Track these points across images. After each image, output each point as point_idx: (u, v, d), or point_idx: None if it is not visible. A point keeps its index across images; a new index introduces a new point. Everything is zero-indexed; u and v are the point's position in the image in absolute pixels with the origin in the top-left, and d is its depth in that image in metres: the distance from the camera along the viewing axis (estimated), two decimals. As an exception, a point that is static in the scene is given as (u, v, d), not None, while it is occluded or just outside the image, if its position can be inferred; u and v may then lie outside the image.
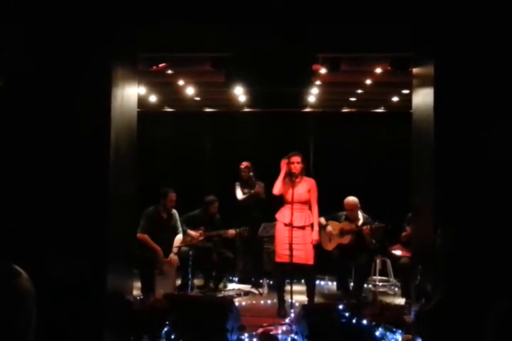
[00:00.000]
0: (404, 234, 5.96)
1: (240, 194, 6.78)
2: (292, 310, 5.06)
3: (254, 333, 4.49)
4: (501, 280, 2.60)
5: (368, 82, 5.95)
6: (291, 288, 5.15)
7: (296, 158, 5.36)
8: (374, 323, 4.07)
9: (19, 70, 3.88)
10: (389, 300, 5.74)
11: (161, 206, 6.16)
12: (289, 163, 5.35)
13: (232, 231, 6.35)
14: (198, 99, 7.15)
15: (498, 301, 1.44)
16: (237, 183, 6.85)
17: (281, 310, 5.31)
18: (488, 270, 2.65)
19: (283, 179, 5.39)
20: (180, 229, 6.34)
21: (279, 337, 4.46)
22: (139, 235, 5.92)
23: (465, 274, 2.62)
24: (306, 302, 5.36)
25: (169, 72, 5.52)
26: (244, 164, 6.84)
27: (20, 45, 3.90)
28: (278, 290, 5.47)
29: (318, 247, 5.64)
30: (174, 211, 6.32)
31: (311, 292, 5.48)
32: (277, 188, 5.39)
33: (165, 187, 6.27)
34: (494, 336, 1.43)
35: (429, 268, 3.56)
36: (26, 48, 3.89)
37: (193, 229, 6.43)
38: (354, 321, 4.00)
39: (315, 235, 5.37)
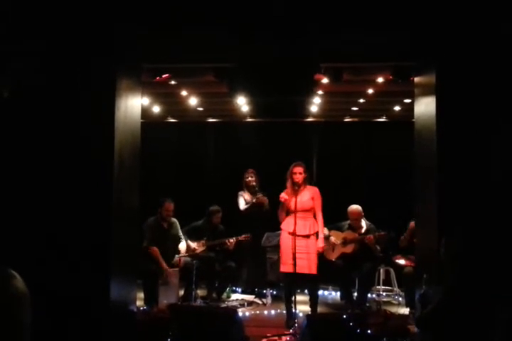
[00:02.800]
0: (402, 238, 5.96)
1: (242, 204, 6.77)
2: (296, 320, 5.04)
3: (258, 343, 4.47)
4: (505, 287, 2.60)
5: (370, 91, 5.98)
6: (295, 298, 5.13)
7: (298, 169, 5.38)
8: (378, 333, 4.05)
9: (24, 81, 3.92)
10: (393, 309, 5.71)
11: (159, 215, 6.19)
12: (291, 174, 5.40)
13: (232, 240, 6.34)
14: (201, 109, 7.19)
15: (506, 307, 1.44)
16: (241, 193, 6.85)
17: (290, 320, 5.27)
18: (491, 276, 2.65)
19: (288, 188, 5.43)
20: (182, 237, 6.36)
21: (283, 347, 4.43)
22: (149, 248, 5.96)
23: (467, 280, 2.62)
24: (309, 313, 5.33)
25: (172, 82, 5.56)
26: (250, 170, 6.85)
27: (25, 56, 3.93)
28: (286, 300, 5.44)
29: (321, 257, 5.63)
30: (174, 220, 6.33)
31: (314, 302, 5.44)
32: (281, 218, 5.47)
33: (164, 196, 6.29)
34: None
35: (434, 277, 3.55)
36: (31, 59, 3.92)
37: (196, 239, 6.43)
38: (358, 331, 3.98)
39: (320, 242, 5.36)
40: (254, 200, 6.65)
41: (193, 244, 6.38)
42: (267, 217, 6.53)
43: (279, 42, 4.26)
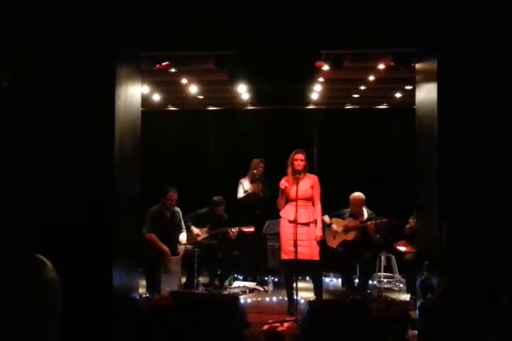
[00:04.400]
0: (408, 226, 5.96)
1: (240, 193, 6.78)
2: (298, 307, 5.07)
3: (259, 330, 4.50)
4: (507, 276, 2.60)
5: (371, 78, 5.94)
6: (296, 285, 5.16)
7: (300, 156, 5.39)
8: (379, 319, 4.08)
9: (23, 70, 3.90)
10: (394, 296, 5.74)
11: (163, 204, 6.21)
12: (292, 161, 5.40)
13: (234, 230, 6.35)
14: (201, 97, 7.16)
15: (507, 299, 1.43)
16: (241, 180, 6.83)
17: (291, 307, 5.30)
18: (493, 264, 2.66)
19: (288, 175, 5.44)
20: (184, 227, 6.37)
21: (285, 333, 4.46)
22: (146, 235, 5.98)
23: (469, 268, 2.63)
24: (311, 299, 5.37)
25: (172, 70, 5.53)
26: (261, 159, 6.82)
27: (25, 45, 3.91)
28: (287, 287, 5.47)
29: (322, 244, 5.65)
30: (177, 209, 6.35)
31: (318, 289, 5.48)
32: (281, 205, 5.47)
33: (168, 185, 6.30)
34: (501, 334, 1.42)
35: (435, 263, 3.57)
36: (30, 48, 3.90)
37: (200, 226, 6.46)
38: (360, 317, 4.01)
39: (318, 231, 5.39)
40: (249, 191, 6.66)
41: (196, 230, 6.40)
42: (267, 205, 6.56)
43: (280, 31, 4.22)
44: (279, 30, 4.22)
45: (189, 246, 6.24)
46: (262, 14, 4.16)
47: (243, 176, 6.87)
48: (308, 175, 5.48)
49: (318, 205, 5.47)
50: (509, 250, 3.37)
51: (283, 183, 5.37)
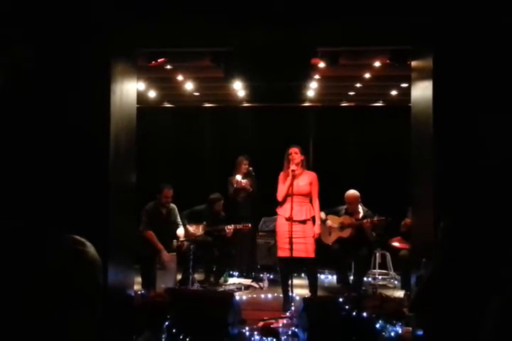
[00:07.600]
0: (403, 223, 5.97)
1: (231, 189, 6.80)
2: (293, 304, 5.08)
3: (254, 327, 4.51)
4: (499, 274, 2.61)
5: (367, 75, 5.95)
6: (292, 281, 5.17)
7: (294, 149, 5.41)
8: (374, 316, 4.09)
9: (18, 66, 3.88)
10: (388, 293, 5.76)
11: (158, 201, 6.20)
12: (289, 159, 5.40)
13: (230, 227, 6.35)
14: (197, 94, 7.15)
15: (496, 296, 1.44)
16: (230, 178, 6.85)
17: (287, 304, 5.31)
18: (487, 261, 2.67)
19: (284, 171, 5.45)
20: (181, 223, 6.37)
21: (280, 330, 4.47)
22: (144, 232, 5.98)
23: (463, 265, 2.64)
24: (306, 296, 5.38)
25: (168, 67, 5.52)
26: (246, 157, 6.85)
27: (19, 41, 3.89)
28: (283, 284, 5.48)
29: (318, 241, 5.66)
30: (173, 206, 6.34)
31: (313, 285, 5.49)
32: (281, 195, 5.45)
33: (163, 182, 6.29)
34: (493, 331, 1.43)
35: (431, 261, 3.58)
36: (25, 44, 3.88)
37: (196, 223, 6.45)
38: (354, 314, 4.02)
39: (316, 229, 5.40)
40: (235, 186, 6.67)
41: (191, 228, 6.40)
42: (257, 199, 6.57)
43: (277, 28, 4.22)
44: (275, 26, 4.22)
45: (185, 243, 6.24)
46: (259, 10, 4.15)
47: (237, 172, 6.89)
48: (306, 171, 5.49)
49: (317, 202, 5.48)
50: (505, 245, 3.39)
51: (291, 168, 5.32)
